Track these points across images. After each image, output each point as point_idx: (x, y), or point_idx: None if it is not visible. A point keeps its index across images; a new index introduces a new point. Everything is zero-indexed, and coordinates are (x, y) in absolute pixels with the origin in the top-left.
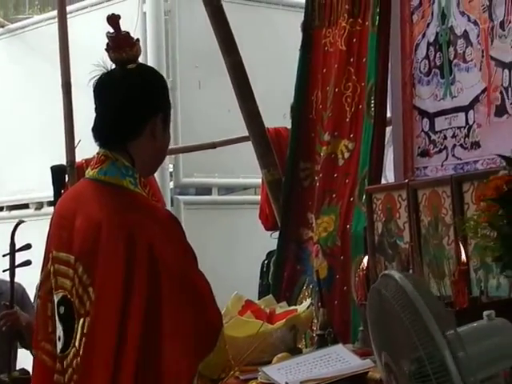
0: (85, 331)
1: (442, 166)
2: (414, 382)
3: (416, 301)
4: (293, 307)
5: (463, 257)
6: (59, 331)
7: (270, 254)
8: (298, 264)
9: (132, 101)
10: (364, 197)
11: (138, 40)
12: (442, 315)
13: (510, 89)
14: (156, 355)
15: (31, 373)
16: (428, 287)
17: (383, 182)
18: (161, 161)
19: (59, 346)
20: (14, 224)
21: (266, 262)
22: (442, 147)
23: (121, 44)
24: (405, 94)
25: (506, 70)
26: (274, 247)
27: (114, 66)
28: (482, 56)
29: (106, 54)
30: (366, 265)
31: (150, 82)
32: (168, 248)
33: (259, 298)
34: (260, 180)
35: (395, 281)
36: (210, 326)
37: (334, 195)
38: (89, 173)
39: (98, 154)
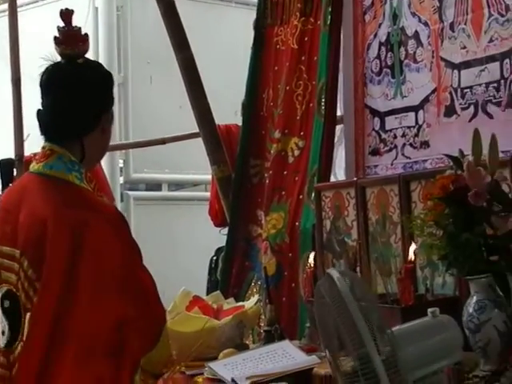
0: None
1: (391, 164)
2: (347, 382)
3: (349, 303)
4: (240, 303)
5: (409, 255)
6: (3, 325)
7: (219, 250)
8: (246, 260)
9: (87, 96)
10: (313, 194)
11: (87, 35)
12: (375, 316)
13: (459, 90)
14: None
15: None
16: (365, 287)
17: (333, 179)
18: (104, 154)
19: (3, 340)
20: None
21: (214, 258)
22: (392, 146)
23: (73, 39)
24: (356, 92)
25: (456, 71)
26: (223, 243)
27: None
28: (433, 57)
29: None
30: (312, 262)
31: (102, 78)
32: (113, 244)
33: (207, 294)
34: (210, 176)
35: (333, 280)
36: (154, 321)
37: (283, 192)
38: (34, 167)
39: (43, 148)
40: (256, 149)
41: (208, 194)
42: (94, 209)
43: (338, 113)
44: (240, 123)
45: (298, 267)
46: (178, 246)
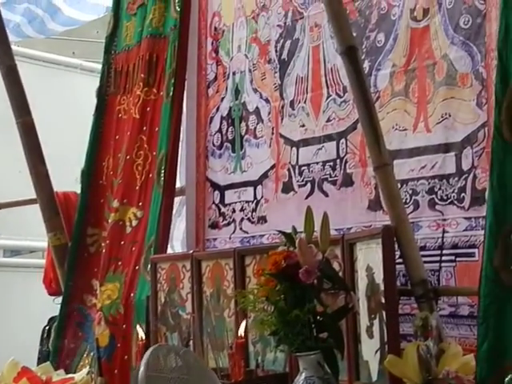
0: None
1: (230, 238)
2: None
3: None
4: (70, 375)
5: (240, 330)
6: None
7: (51, 320)
8: (80, 331)
9: None
10: (149, 265)
11: None
12: None
13: (297, 167)
14: None
15: None
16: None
17: (170, 251)
18: None
19: None
20: None
21: (47, 327)
22: (231, 220)
23: None
24: (198, 165)
25: (294, 149)
26: (57, 313)
27: None
28: (272, 133)
29: None
30: (143, 335)
31: None
32: None
33: (38, 365)
34: (46, 244)
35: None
36: None
37: (119, 263)
38: None
39: None
40: (94, 217)
41: (44, 261)
42: None
43: (178, 184)
44: (79, 191)
45: (131, 339)
46: (11, 314)
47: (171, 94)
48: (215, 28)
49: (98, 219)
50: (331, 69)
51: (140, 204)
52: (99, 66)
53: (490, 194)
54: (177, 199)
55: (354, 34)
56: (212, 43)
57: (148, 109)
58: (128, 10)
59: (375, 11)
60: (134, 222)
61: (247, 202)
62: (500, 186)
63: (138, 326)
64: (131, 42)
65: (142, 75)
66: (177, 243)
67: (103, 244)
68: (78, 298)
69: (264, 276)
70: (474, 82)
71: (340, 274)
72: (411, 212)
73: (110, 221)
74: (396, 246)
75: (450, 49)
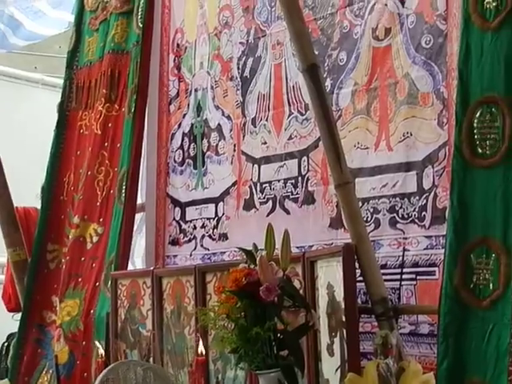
0: None
1: (190, 255)
2: None
3: None
4: None
5: (200, 347)
6: None
7: (10, 336)
8: (39, 347)
9: None
10: (109, 282)
11: None
12: None
13: (258, 184)
14: None
15: None
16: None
17: (131, 268)
18: None
19: None
20: None
21: (5, 344)
22: (192, 237)
23: None
24: (159, 182)
25: (256, 166)
26: (16, 329)
27: None
28: (234, 150)
29: None
30: (103, 352)
31: None
32: None
33: None
34: (6, 259)
35: None
36: None
37: (79, 279)
38: None
39: None
40: (54, 233)
41: (3, 277)
42: None
43: (139, 201)
44: (40, 207)
45: (91, 356)
46: None
47: (133, 109)
48: (178, 44)
49: (59, 235)
50: (293, 87)
51: (101, 220)
52: (61, 81)
53: (450, 213)
54: (138, 215)
55: (316, 53)
56: (174, 59)
57: (110, 124)
58: (90, 26)
59: (337, 30)
60: (95, 238)
61: (208, 218)
62: (460, 205)
63: (97, 343)
64: (93, 57)
65: (104, 91)
66: (138, 260)
67: (63, 260)
68: (37, 315)
69: (225, 293)
70: (435, 102)
71: (301, 291)
72: (372, 230)
73: (70, 237)
74: (357, 264)
75: (411, 68)
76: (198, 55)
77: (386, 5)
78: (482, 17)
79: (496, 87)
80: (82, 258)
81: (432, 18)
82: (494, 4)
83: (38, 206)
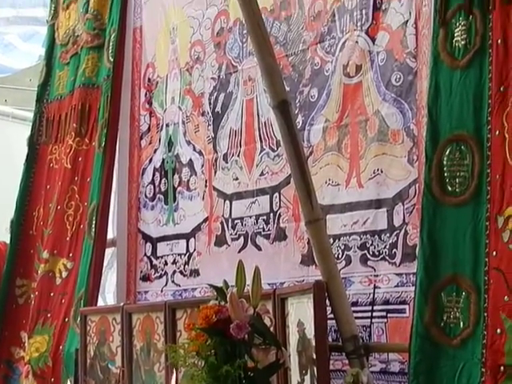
0: None
1: (161, 291)
2: None
3: None
4: None
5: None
6: None
7: None
8: None
9: None
10: (79, 318)
11: None
12: None
13: (230, 220)
14: None
15: None
16: None
17: (103, 304)
18: None
19: None
20: None
21: None
22: (163, 273)
23: None
24: (130, 217)
25: (228, 202)
26: None
27: None
28: (206, 186)
29: None
30: None
31: None
32: None
33: None
34: None
35: None
36: None
37: (48, 315)
38: None
39: None
40: (23, 268)
41: None
42: None
43: (110, 236)
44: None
45: None
46: None
47: (103, 144)
48: (149, 79)
49: (28, 270)
50: (265, 123)
51: (70, 255)
52: (31, 115)
53: (420, 251)
54: (109, 250)
55: (288, 89)
56: (145, 94)
57: (80, 159)
58: (61, 59)
59: (309, 66)
60: (64, 274)
61: (180, 254)
62: (430, 243)
63: (68, 381)
64: (64, 91)
65: (74, 125)
66: (109, 295)
67: (32, 295)
68: (5, 351)
69: (195, 330)
70: (406, 139)
71: (271, 329)
72: (343, 267)
73: (39, 272)
74: (327, 301)
75: (381, 105)
76: (169, 90)
77: (356, 42)
78: (451, 55)
79: (465, 125)
80: (51, 294)
81: (402, 56)
82: (462, 43)
83: (7, 241)
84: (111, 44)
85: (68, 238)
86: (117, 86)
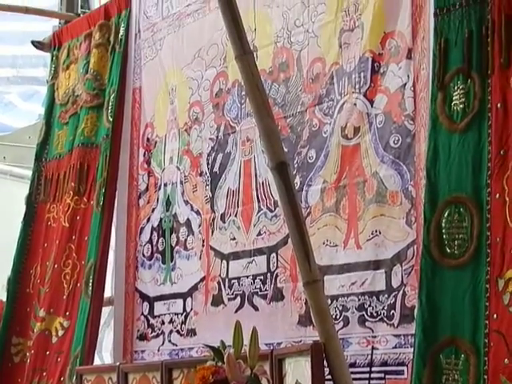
0: None
1: (158, 350)
2: None
3: None
4: None
5: None
6: None
7: None
8: None
9: None
10: (74, 377)
11: None
12: None
13: (227, 280)
14: None
15: None
16: None
17: (99, 362)
18: None
19: None
20: None
21: None
22: (160, 332)
23: None
24: (128, 276)
25: (225, 261)
26: None
27: None
28: (203, 245)
29: None
30: None
31: None
32: None
33: None
34: None
35: None
36: None
37: (44, 374)
38: None
39: None
40: (19, 326)
41: None
42: None
43: (107, 294)
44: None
45: None
46: None
47: (101, 203)
48: (148, 139)
49: (24, 328)
50: (262, 183)
51: (67, 314)
52: (30, 173)
53: (418, 312)
54: (106, 309)
55: (286, 150)
56: (144, 154)
57: (78, 217)
58: (60, 119)
59: (307, 128)
60: (61, 332)
61: (176, 314)
62: (429, 305)
63: None
64: (62, 150)
65: (73, 184)
66: (106, 354)
67: (28, 354)
68: None
69: None
70: (404, 201)
71: None
72: (341, 328)
73: (35, 330)
74: (325, 362)
75: (380, 167)
76: (167, 150)
77: (354, 104)
78: (450, 118)
79: (464, 187)
80: (47, 352)
81: (400, 118)
82: (461, 106)
83: (4, 298)
84: (111, 104)
85: (65, 297)
86: (116, 145)
